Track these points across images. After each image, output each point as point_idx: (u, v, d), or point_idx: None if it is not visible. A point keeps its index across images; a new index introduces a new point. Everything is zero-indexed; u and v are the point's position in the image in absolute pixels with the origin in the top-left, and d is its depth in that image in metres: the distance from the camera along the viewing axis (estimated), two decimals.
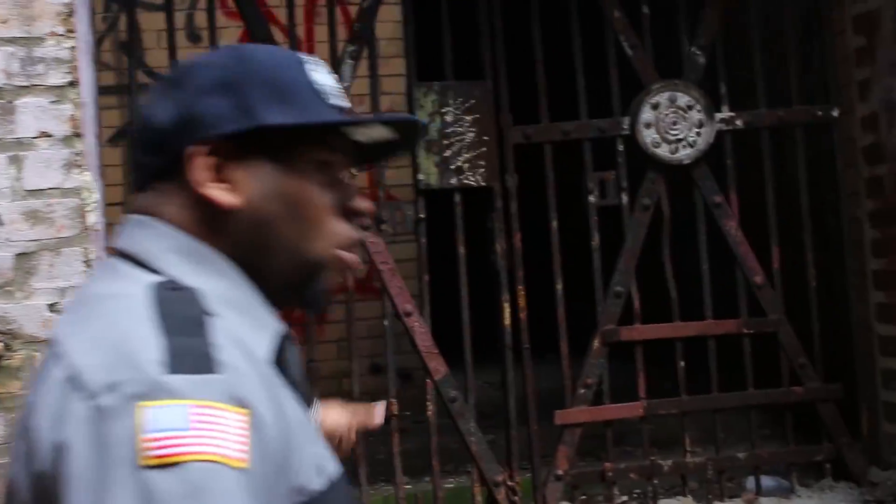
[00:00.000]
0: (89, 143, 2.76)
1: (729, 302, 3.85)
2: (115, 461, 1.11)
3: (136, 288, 1.23)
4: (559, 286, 3.78)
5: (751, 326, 3.84)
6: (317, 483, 1.25)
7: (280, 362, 1.31)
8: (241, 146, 1.29)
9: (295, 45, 3.66)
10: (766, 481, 3.86)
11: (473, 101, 3.72)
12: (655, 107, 3.76)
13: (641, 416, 3.80)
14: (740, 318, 3.85)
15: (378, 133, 1.38)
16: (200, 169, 1.27)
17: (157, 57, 5.32)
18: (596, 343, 3.77)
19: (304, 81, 1.33)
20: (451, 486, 3.93)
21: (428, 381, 3.69)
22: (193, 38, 5.80)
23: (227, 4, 6.25)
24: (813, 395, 3.82)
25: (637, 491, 3.95)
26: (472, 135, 3.71)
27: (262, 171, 1.30)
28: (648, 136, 3.76)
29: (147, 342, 1.16)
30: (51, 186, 2.64)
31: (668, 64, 3.88)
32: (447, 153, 3.69)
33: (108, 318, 1.21)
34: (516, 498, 3.73)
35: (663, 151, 3.76)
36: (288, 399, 1.25)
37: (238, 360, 1.19)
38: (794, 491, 3.82)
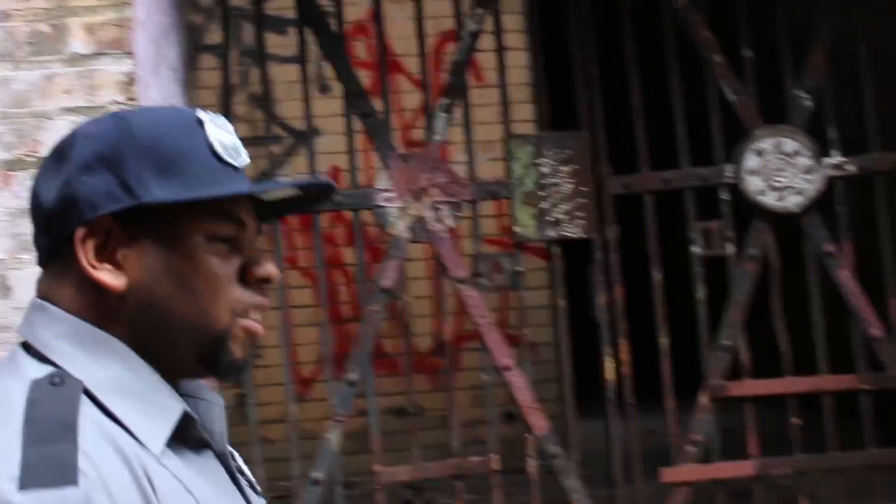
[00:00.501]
0: None
1: (844, 356, 3.69)
2: None
3: (15, 386, 1.20)
4: (664, 340, 3.69)
5: (870, 382, 3.65)
6: None
7: (188, 440, 1.28)
8: (126, 225, 1.25)
9: (387, 97, 3.70)
10: None
11: (570, 152, 3.66)
12: (760, 153, 3.64)
13: (753, 475, 3.64)
14: (857, 373, 3.68)
15: (280, 192, 1.34)
16: (86, 252, 1.25)
17: (289, 108, 5.54)
18: (703, 398, 3.64)
19: (196, 145, 1.28)
20: None
21: (529, 436, 3.62)
22: (324, 88, 6.00)
23: (355, 55, 6.45)
24: None
25: None
26: (569, 186, 3.65)
27: (148, 249, 1.27)
28: (753, 184, 3.64)
29: (4, 455, 1.13)
30: None
31: (773, 108, 3.78)
32: (544, 205, 3.64)
33: None
34: None
35: (769, 199, 3.63)
36: (171, 492, 1.21)
37: (103, 466, 1.16)
38: None
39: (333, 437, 3.50)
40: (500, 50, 3.75)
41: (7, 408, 1.17)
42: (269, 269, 1.30)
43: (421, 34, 3.72)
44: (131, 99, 2.78)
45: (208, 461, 1.32)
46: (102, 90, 2.85)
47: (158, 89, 3.07)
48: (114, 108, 2.75)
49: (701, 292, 3.69)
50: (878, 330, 3.64)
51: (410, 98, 6.03)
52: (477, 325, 3.63)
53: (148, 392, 1.26)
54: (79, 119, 2.72)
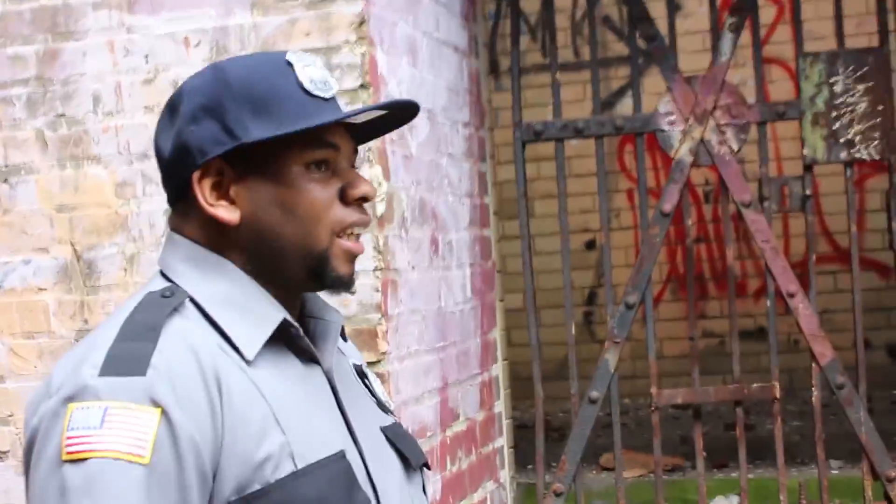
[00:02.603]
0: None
1: None
2: (49, 457, 1.30)
3: (136, 297, 1.41)
4: None
5: None
6: (272, 474, 1.36)
7: (290, 342, 1.44)
8: (233, 164, 1.42)
9: (673, 19, 3.73)
10: None
11: (866, 69, 3.55)
12: None
13: None
14: None
15: (368, 115, 1.47)
16: (202, 193, 1.42)
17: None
18: None
19: (288, 84, 1.43)
20: (838, 475, 3.85)
21: (814, 365, 3.60)
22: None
23: None
24: None
25: None
26: (864, 105, 3.56)
27: (255, 184, 1.43)
28: None
29: (98, 349, 1.33)
30: None
31: None
32: (836, 126, 3.57)
33: (98, 327, 1.41)
34: None
35: None
36: (242, 392, 1.36)
37: (173, 363, 1.33)
38: None
39: (610, 358, 3.67)
40: None
41: (120, 313, 1.39)
42: (364, 188, 1.45)
43: None
44: (361, 38, 3.08)
45: (312, 374, 1.48)
46: (337, 31, 3.10)
47: (414, 25, 3.31)
48: (346, 48, 3.09)
49: None
50: None
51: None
52: (762, 250, 3.63)
53: (250, 304, 1.43)
54: (318, 58, 3.07)
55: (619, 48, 6.73)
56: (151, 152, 3.16)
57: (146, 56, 3.30)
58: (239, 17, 3.18)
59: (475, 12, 3.96)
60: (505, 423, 4.28)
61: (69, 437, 1.28)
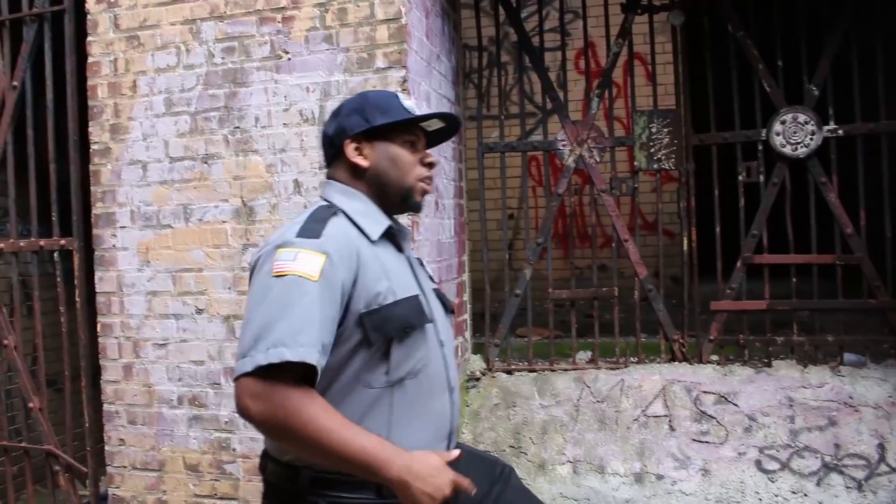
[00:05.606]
0: None
1: (828, 244, 4.41)
2: (265, 273, 1.47)
3: (313, 206, 1.63)
4: (717, 229, 4.49)
5: (842, 260, 4.27)
6: (383, 300, 1.52)
7: (391, 238, 1.64)
8: (367, 137, 1.63)
9: (566, 90, 4.71)
10: (849, 357, 4.26)
11: (668, 120, 4.49)
12: (783, 122, 4.32)
13: (764, 309, 4.40)
14: (835, 253, 4.27)
15: (436, 124, 1.71)
16: (349, 150, 1.63)
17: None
18: (738, 264, 4.43)
19: (397, 103, 1.66)
20: (647, 341, 4.75)
21: (636, 279, 4.54)
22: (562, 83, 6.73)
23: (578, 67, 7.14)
24: (884, 305, 4.26)
25: (760, 355, 4.52)
26: (667, 139, 4.47)
27: (377, 148, 1.62)
28: (777, 141, 4.33)
29: (296, 225, 1.53)
30: None
31: (793, 94, 4.44)
32: (652, 150, 4.49)
33: (295, 218, 1.60)
34: (685, 350, 4.45)
35: (787, 150, 4.33)
36: (368, 256, 1.50)
37: (333, 235, 1.49)
38: (867, 365, 4.15)
39: (527, 272, 4.64)
40: (631, 60, 4.68)
41: (307, 211, 1.60)
42: (432, 158, 1.66)
43: (587, 54, 4.71)
44: (404, 90, 3.35)
45: (400, 257, 1.69)
46: (391, 86, 3.38)
47: (429, 85, 3.80)
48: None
49: (742, 203, 4.48)
50: (850, 229, 4.32)
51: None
52: (610, 217, 4.58)
53: (372, 214, 1.63)
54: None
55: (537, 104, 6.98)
56: (288, 148, 3.58)
57: (284, 96, 3.55)
58: (336, 76, 3.46)
59: (459, 81, 4.59)
60: (468, 307, 4.61)
61: (276, 264, 1.45)
